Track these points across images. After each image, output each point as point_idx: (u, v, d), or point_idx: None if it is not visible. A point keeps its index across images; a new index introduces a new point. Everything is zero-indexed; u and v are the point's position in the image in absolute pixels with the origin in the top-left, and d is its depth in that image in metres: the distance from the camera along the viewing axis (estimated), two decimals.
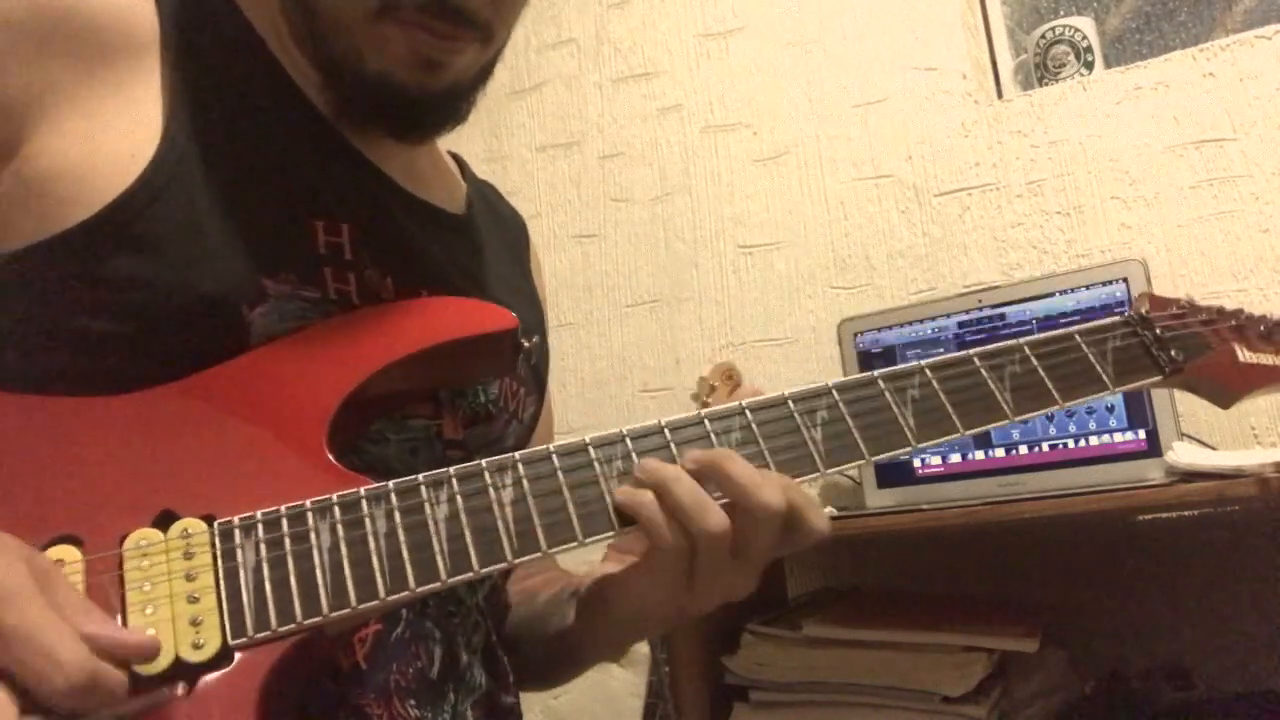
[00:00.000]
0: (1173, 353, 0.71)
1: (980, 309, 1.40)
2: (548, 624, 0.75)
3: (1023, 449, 1.36)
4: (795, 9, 1.85)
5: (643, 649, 1.75)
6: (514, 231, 0.91)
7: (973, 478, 1.37)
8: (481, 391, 0.73)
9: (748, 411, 0.61)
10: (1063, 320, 1.35)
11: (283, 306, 0.61)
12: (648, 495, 0.57)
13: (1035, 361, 0.67)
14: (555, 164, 2.03)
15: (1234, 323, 0.77)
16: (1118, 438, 1.30)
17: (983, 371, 0.66)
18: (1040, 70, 1.67)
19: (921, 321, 1.44)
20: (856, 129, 1.77)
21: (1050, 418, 1.34)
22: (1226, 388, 0.73)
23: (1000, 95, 1.76)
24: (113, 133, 0.61)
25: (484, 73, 0.72)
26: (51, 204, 0.58)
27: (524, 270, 0.89)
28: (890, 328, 1.46)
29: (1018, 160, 1.63)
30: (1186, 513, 1.43)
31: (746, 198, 1.85)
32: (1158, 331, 0.72)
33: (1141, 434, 1.29)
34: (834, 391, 0.63)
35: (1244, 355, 0.74)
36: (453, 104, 0.71)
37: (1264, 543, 1.40)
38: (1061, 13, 1.78)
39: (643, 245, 1.93)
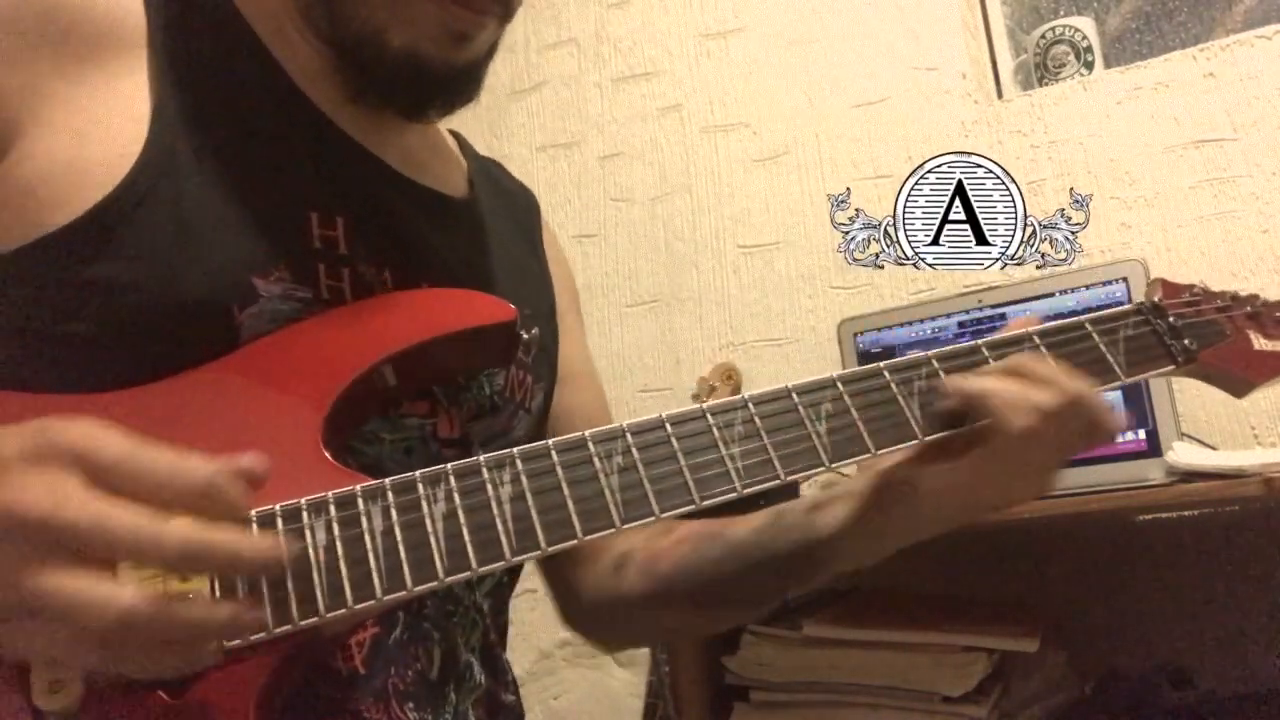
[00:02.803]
0: (1186, 341, 0.69)
1: (980, 309, 1.40)
2: (774, 544, 0.71)
3: None
4: (795, 9, 1.85)
5: (643, 649, 1.74)
6: (523, 207, 0.90)
7: None
8: (486, 383, 0.72)
9: (750, 405, 0.61)
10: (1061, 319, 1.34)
11: (274, 307, 0.60)
12: (996, 381, 0.61)
13: (1046, 351, 0.66)
14: (555, 164, 2.03)
15: (1249, 309, 0.75)
16: (1118, 438, 1.30)
17: (991, 362, 0.65)
18: (1040, 70, 1.67)
19: (921, 321, 1.44)
20: (856, 129, 1.77)
21: None
22: (1242, 377, 0.72)
23: (1000, 95, 1.75)
24: (102, 131, 0.60)
25: (494, 49, 0.72)
26: (41, 206, 0.58)
27: (534, 248, 0.88)
28: (890, 328, 1.46)
29: (1018, 160, 1.63)
30: (1186, 513, 1.42)
31: (746, 197, 1.85)
32: (1171, 320, 0.70)
33: (1141, 434, 1.29)
34: (838, 384, 0.62)
35: (1260, 343, 0.73)
36: (470, 79, 0.71)
37: (1264, 543, 1.39)
38: (1061, 13, 1.78)
39: (643, 245, 1.93)
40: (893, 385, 0.63)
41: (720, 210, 1.87)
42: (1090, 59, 1.64)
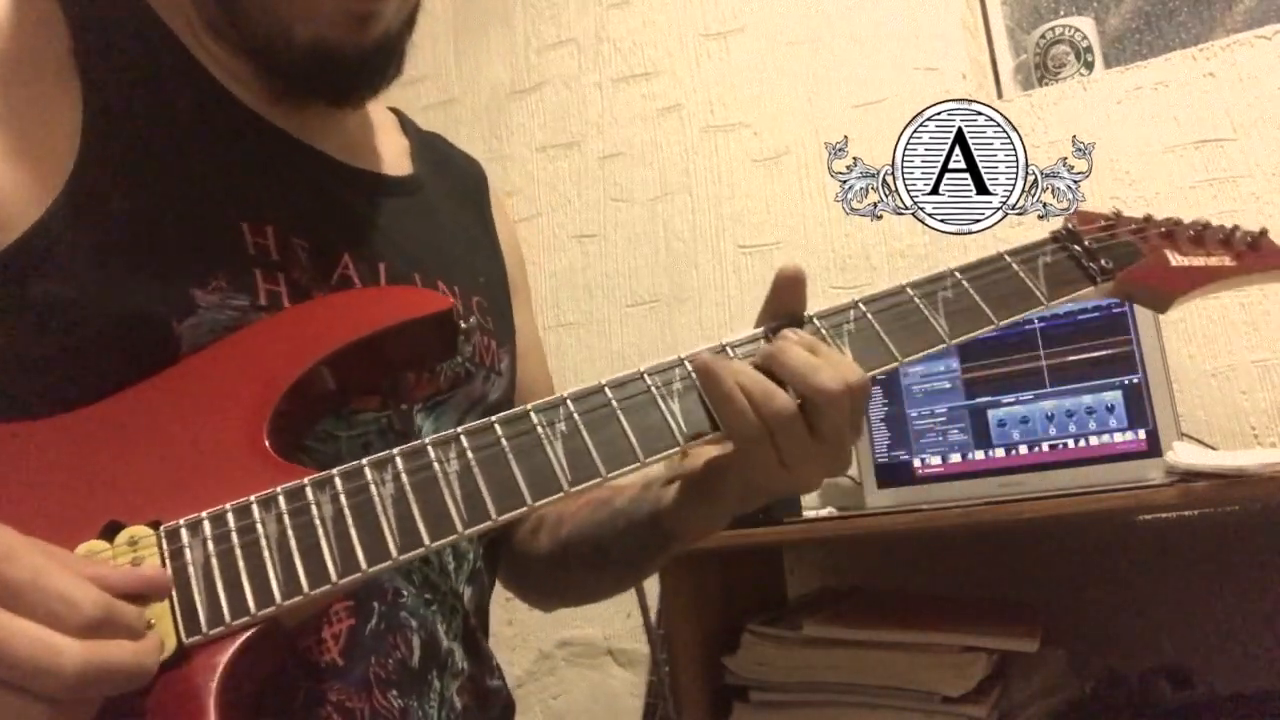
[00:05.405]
0: (1103, 262, 0.71)
1: None
2: (637, 513, 0.74)
3: (1023, 449, 1.36)
4: (795, 9, 1.85)
5: (643, 649, 1.75)
6: (470, 179, 0.91)
7: (972, 478, 1.37)
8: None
9: (686, 363, 0.62)
10: (1062, 319, 1.35)
11: (213, 317, 0.61)
12: (733, 389, 0.59)
13: (967, 284, 0.68)
14: (555, 164, 2.03)
15: (1163, 229, 0.78)
16: (1118, 438, 1.30)
17: (916, 300, 0.67)
18: (1040, 70, 1.67)
19: None
20: (856, 129, 1.77)
21: (1050, 417, 1.34)
22: (1162, 291, 0.74)
23: (1000, 95, 1.76)
24: (33, 149, 0.60)
25: (410, 20, 0.72)
26: None
27: (482, 218, 0.89)
28: None
29: None
30: (1186, 513, 1.43)
31: (746, 197, 1.85)
32: (1086, 243, 0.73)
33: (1141, 434, 1.29)
34: (769, 335, 0.64)
35: (1176, 259, 0.75)
36: (387, 57, 0.71)
37: (1264, 543, 1.40)
38: (1061, 13, 1.78)
39: (643, 245, 1.93)
40: (823, 331, 0.66)
41: (720, 210, 1.87)
42: (1090, 59, 1.64)
